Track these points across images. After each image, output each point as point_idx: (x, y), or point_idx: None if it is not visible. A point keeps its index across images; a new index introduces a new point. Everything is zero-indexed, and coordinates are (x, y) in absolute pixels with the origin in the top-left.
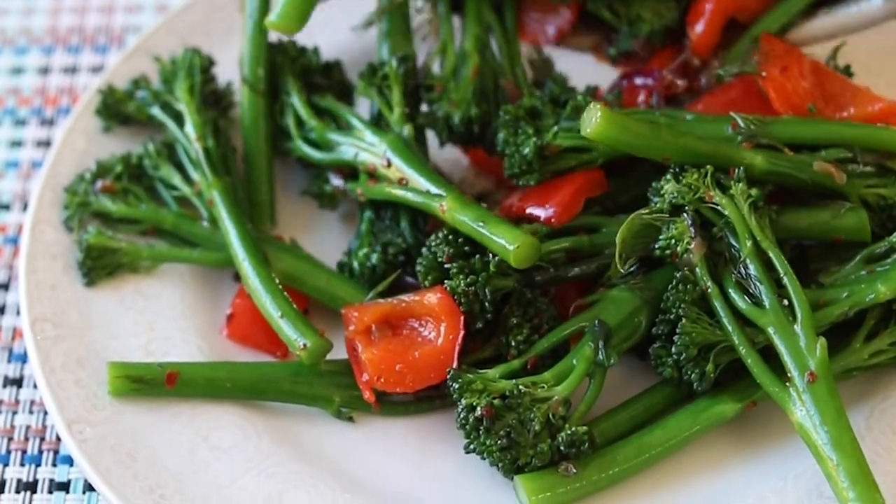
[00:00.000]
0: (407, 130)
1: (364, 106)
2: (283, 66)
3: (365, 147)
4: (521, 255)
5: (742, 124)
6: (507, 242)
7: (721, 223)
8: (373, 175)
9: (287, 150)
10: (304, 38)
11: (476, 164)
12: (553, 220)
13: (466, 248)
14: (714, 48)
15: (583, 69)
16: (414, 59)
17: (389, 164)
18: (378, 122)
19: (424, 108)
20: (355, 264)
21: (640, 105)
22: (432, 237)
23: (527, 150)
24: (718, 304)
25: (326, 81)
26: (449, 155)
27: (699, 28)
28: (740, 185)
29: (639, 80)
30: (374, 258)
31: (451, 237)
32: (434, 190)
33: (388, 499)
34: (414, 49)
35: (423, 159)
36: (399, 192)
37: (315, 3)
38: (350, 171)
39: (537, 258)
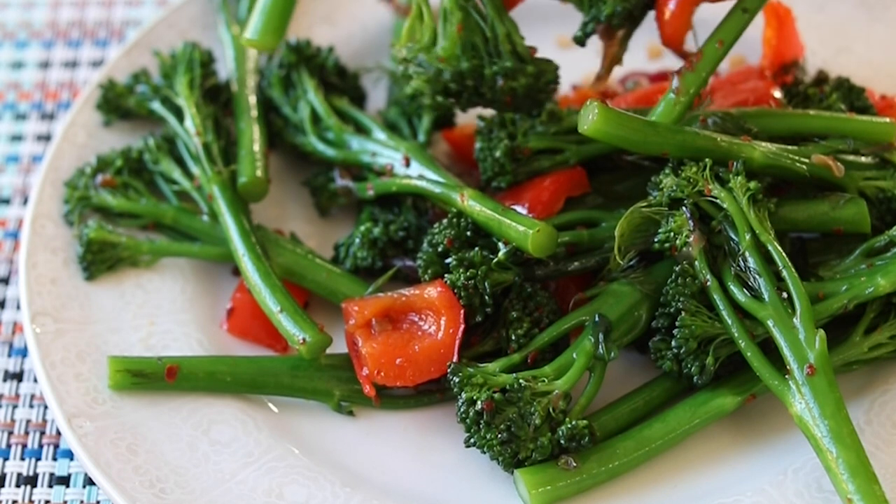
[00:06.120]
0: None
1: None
2: (297, 63)
3: (383, 151)
4: (538, 240)
5: (710, 122)
6: (526, 227)
7: (720, 216)
8: (387, 174)
9: (296, 144)
10: (303, 31)
11: (460, 159)
12: (532, 217)
13: (469, 233)
14: (684, 37)
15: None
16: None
17: (409, 164)
18: (394, 129)
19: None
20: (356, 239)
21: None
22: (435, 226)
23: (498, 153)
24: (718, 297)
25: (341, 83)
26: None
27: (671, 6)
28: (739, 178)
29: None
30: (377, 231)
31: (454, 220)
32: (454, 183)
33: (388, 493)
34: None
35: (441, 163)
36: (420, 184)
37: (292, 11)
38: (357, 171)
39: (555, 246)
